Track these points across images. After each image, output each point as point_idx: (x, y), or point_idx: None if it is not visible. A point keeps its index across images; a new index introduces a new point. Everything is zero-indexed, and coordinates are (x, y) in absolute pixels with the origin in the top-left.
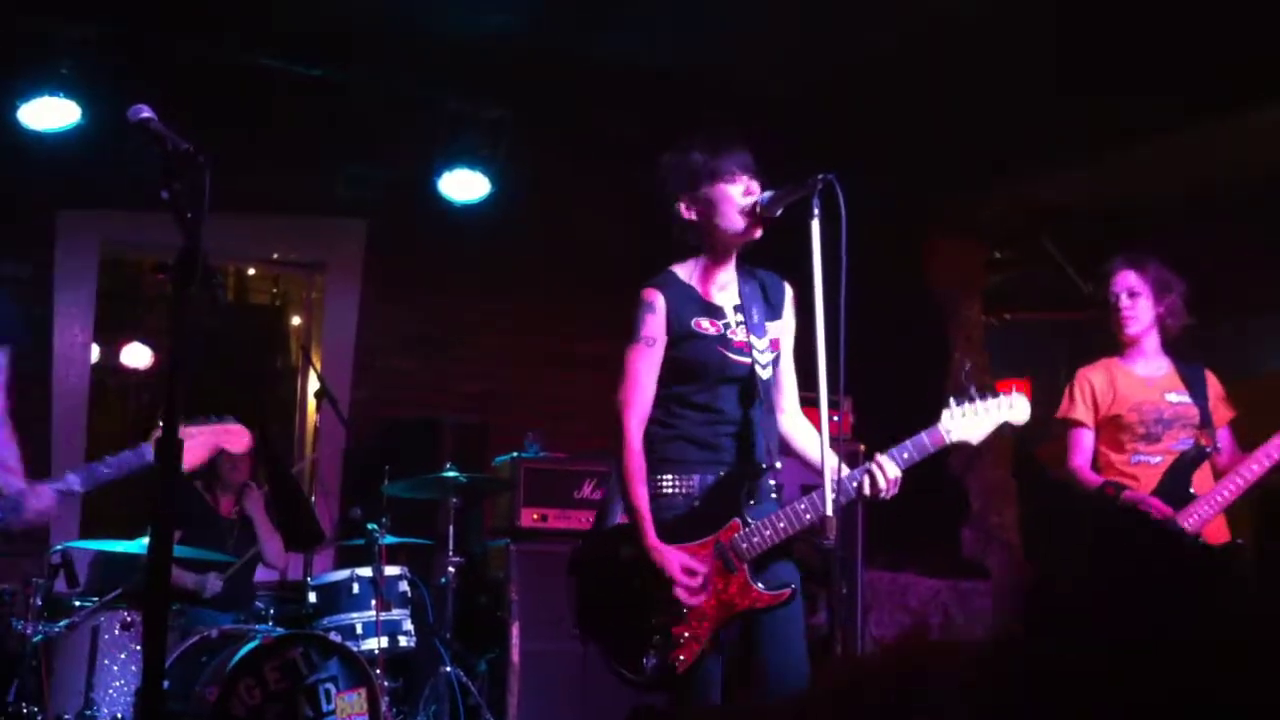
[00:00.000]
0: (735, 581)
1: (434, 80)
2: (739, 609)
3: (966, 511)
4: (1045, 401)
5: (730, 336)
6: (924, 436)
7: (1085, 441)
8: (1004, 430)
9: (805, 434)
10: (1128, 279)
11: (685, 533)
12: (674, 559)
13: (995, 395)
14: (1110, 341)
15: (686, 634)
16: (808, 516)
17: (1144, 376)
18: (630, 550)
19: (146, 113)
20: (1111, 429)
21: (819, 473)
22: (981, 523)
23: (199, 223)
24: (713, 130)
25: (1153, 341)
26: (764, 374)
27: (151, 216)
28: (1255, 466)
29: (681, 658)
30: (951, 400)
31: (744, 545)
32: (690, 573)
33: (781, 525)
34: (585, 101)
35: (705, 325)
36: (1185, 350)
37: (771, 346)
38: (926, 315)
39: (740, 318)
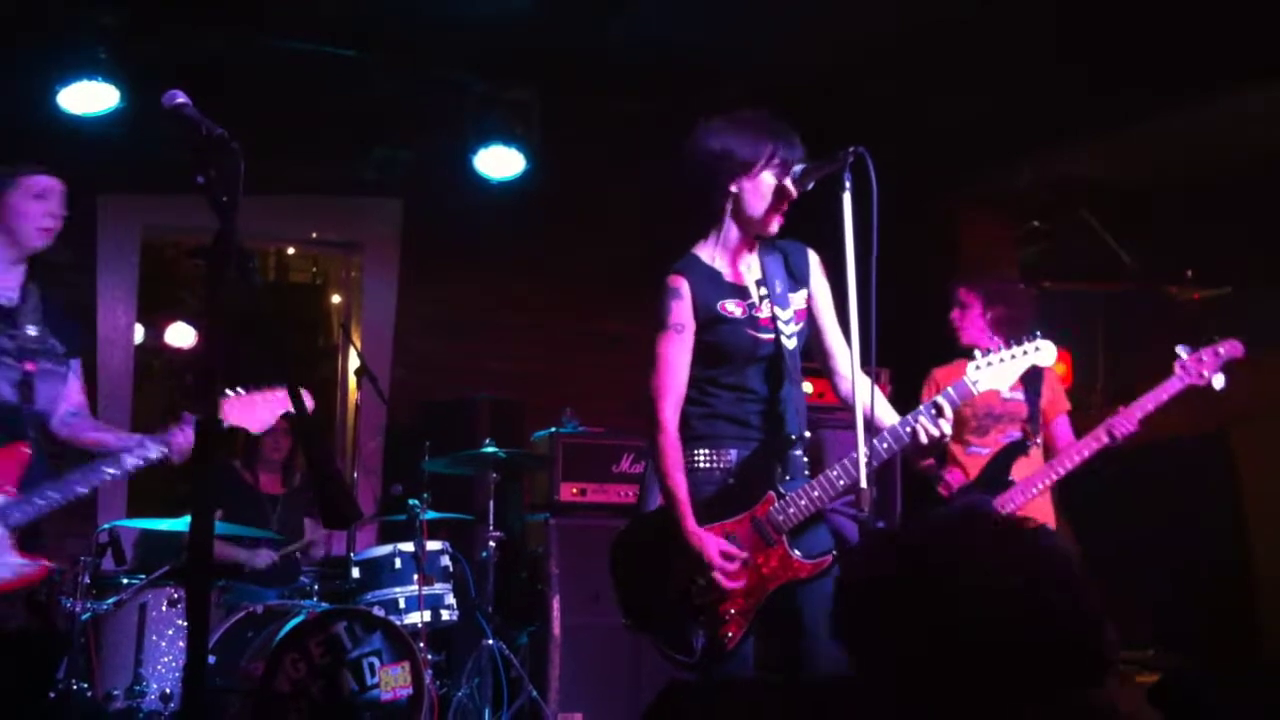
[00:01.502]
0: (775, 554)
1: (462, 61)
2: (781, 581)
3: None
4: (1084, 369)
5: (756, 315)
6: (951, 391)
7: None
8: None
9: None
10: (957, 295)
11: (720, 510)
12: (713, 545)
13: (1020, 342)
14: (1149, 314)
15: (732, 610)
16: (841, 483)
17: None
18: (670, 533)
19: (181, 98)
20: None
21: (879, 428)
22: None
23: (233, 207)
24: (769, 114)
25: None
26: (789, 344)
27: (191, 200)
28: (1068, 462)
29: (730, 634)
30: (977, 352)
31: (780, 518)
32: (729, 557)
33: (816, 494)
34: (613, 81)
35: (731, 308)
36: (1214, 320)
37: (796, 317)
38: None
39: (764, 292)
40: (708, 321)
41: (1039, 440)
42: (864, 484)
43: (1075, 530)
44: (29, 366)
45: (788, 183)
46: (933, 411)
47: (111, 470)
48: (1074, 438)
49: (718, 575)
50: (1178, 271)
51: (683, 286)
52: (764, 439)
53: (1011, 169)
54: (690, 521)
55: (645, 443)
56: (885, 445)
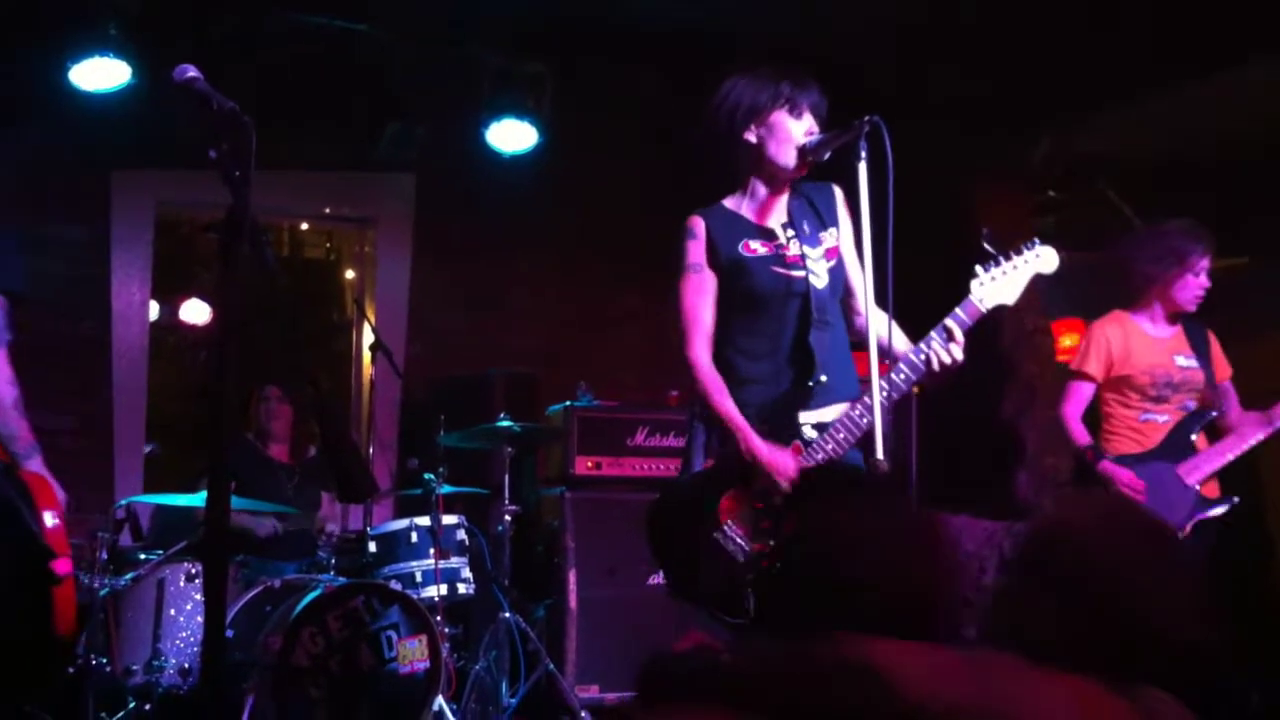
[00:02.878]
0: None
1: (475, 35)
2: None
3: (1020, 454)
4: None
5: (784, 253)
6: (959, 311)
7: (1084, 394)
8: (1037, 282)
9: (881, 327)
10: (1209, 259)
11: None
12: (786, 460)
13: (1020, 251)
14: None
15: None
16: (864, 420)
17: (1155, 337)
18: (713, 493)
19: (191, 72)
20: (1121, 386)
21: (898, 357)
22: (1037, 465)
23: (246, 182)
24: (789, 64)
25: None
26: (818, 283)
27: (204, 176)
28: (1260, 432)
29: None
30: (978, 268)
31: (809, 465)
32: (802, 470)
33: (841, 436)
34: (627, 55)
35: (755, 246)
36: (1244, 293)
37: (827, 255)
38: (977, 256)
39: (791, 234)
40: (731, 263)
41: (1223, 409)
42: (880, 454)
43: None
44: None
45: (805, 137)
46: (944, 335)
47: None
48: (1241, 406)
49: (785, 485)
50: None
51: (698, 227)
52: (790, 384)
53: (1029, 141)
54: (756, 439)
55: (685, 394)
56: (902, 376)
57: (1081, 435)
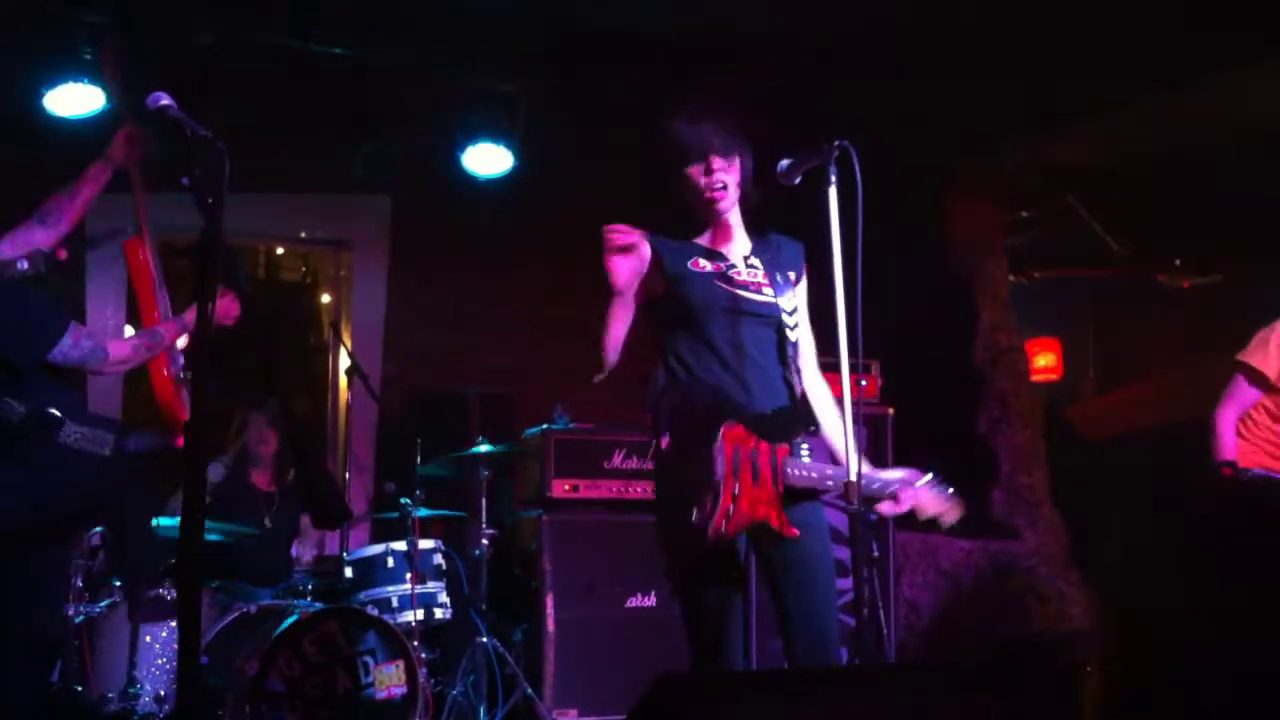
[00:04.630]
0: (764, 493)
1: (449, 56)
2: (757, 518)
3: (995, 473)
4: (1075, 361)
5: (733, 276)
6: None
7: (1248, 395)
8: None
9: (821, 400)
10: None
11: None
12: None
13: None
14: (1138, 302)
15: (730, 508)
16: (830, 484)
17: None
18: (709, 422)
19: (165, 100)
20: (1277, 394)
21: (830, 445)
22: (1011, 484)
23: (219, 207)
24: (689, 104)
25: None
26: (790, 334)
27: (179, 200)
28: None
29: (720, 525)
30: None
31: (790, 470)
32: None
33: (815, 475)
34: (601, 73)
35: (702, 264)
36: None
37: (796, 308)
38: (950, 277)
39: (754, 263)
40: (673, 278)
41: None
42: (853, 476)
43: (1066, 520)
44: None
45: (711, 182)
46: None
47: None
48: None
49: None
50: (1167, 259)
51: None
52: (768, 412)
53: (998, 155)
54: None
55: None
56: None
57: (1228, 447)
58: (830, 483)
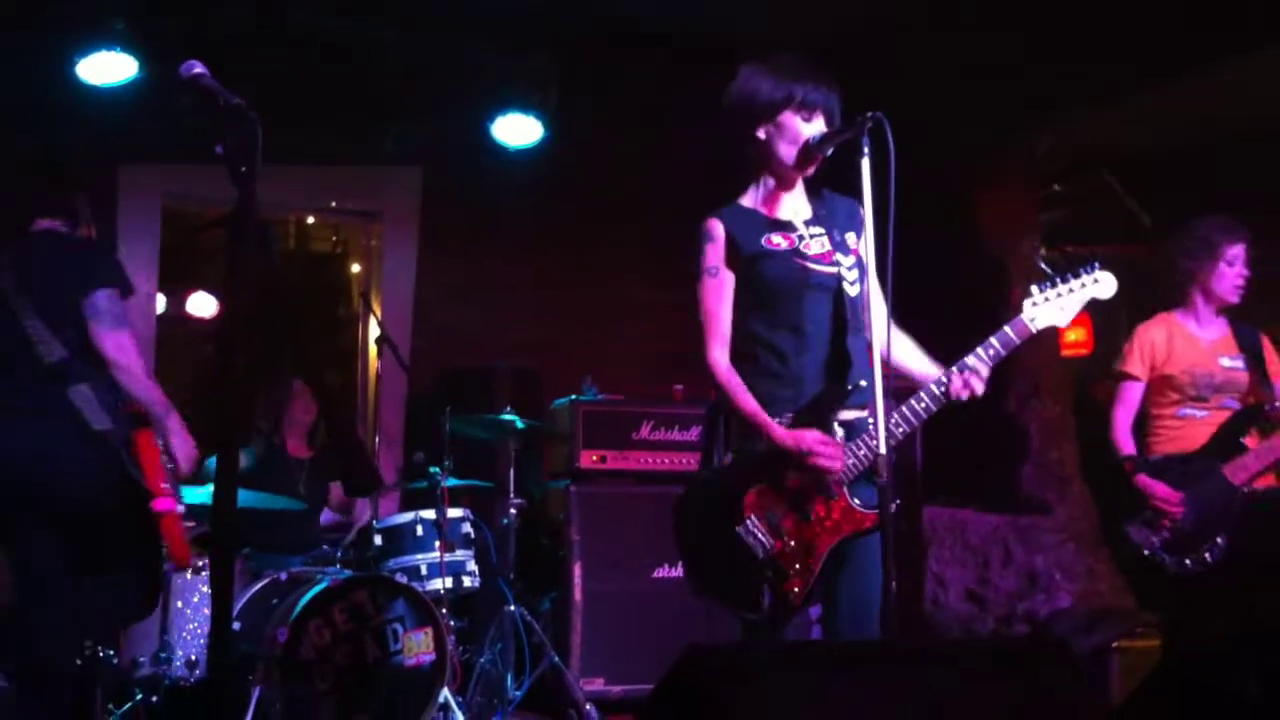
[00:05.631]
0: (837, 507)
1: (480, 28)
2: (844, 534)
3: (1025, 449)
4: (1106, 336)
5: (805, 249)
6: (1008, 329)
7: (1133, 396)
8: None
9: (901, 347)
10: (1243, 248)
11: (777, 464)
12: (809, 435)
13: (1078, 274)
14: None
15: (797, 565)
16: (900, 430)
17: (1200, 338)
18: (736, 490)
19: (198, 69)
20: (1162, 386)
21: (917, 381)
22: (1041, 460)
23: (252, 177)
24: (797, 56)
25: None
26: (851, 290)
27: (210, 170)
28: None
29: (795, 589)
30: (1034, 287)
31: (849, 463)
32: (826, 443)
33: (875, 443)
34: (631, 46)
35: (777, 240)
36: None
37: (856, 260)
38: (983, 252)
39: (816, 230)
40: (752, 259)
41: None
42: (882, 449)
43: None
44: None
45: (806, 130)
46: (967, 369)
47: None
48: None
49: (824, 461)
50: None
51: (716, 229)
52: (821, 390)
53: (1033, 133)
54: (777, 428)
55: (710, 391)
56: (922, 405)
57: (1126, 444)
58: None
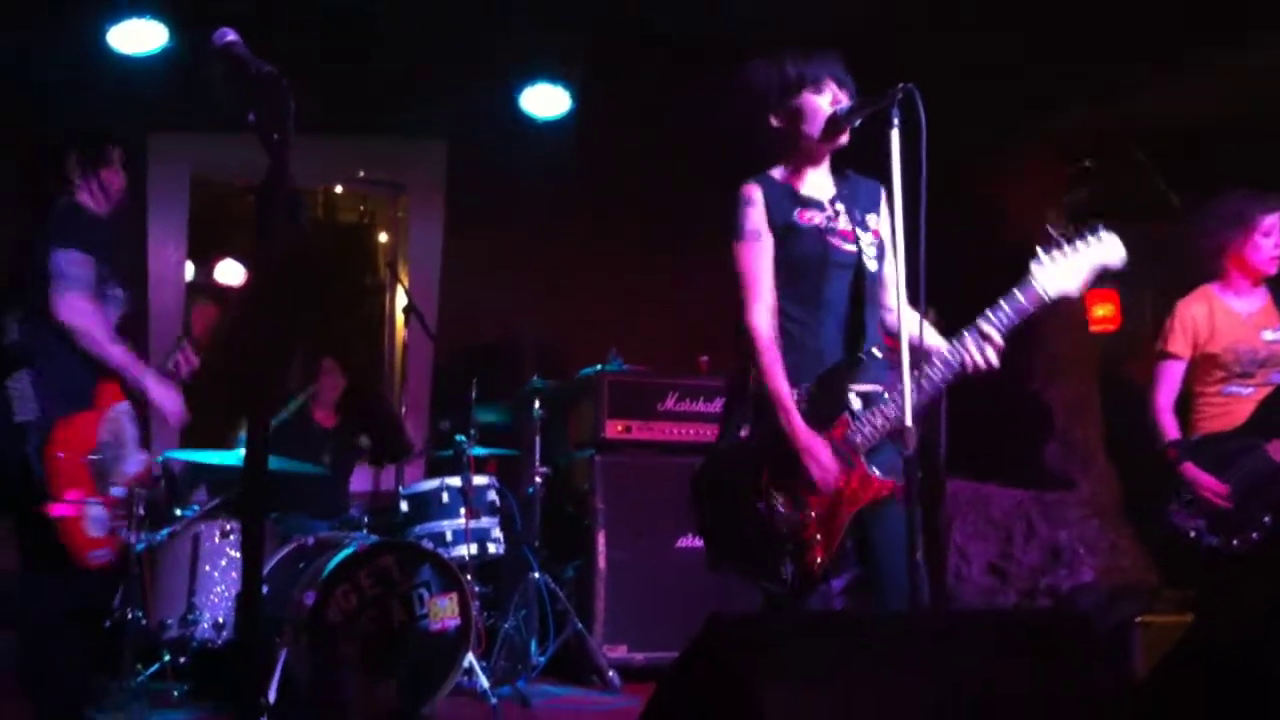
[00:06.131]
0: (855, 476)
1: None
2: (863, 502)
3: (1049, 426)
4: (1133, 314)
5: (835, 225)
6: (1017, 294)
7: (1175, 375)
8: (1103, 272)
9: (913, 324)
10: (1278, 218)
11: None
12: (821, 446)
13: (1084, 237)
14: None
15: (818, 536)
16: (913, 398)
17: (1241, 313)
18: (754, 463)
19: (230, 36)
20: (1206, 364)
21: (930, 357)
22: (1066, 437)
23: (284, 145)
24: (803, 41)
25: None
26: (871, 265)
27: (240, 139)
28: None
29: (818, 559)
30: (1039, 249)
31: (857, 439)
32: (828, 462)
33: (891, 411)
34: (660, 18)
35: (806, 216)
36: None
37: (875, 239)
38: (1010, 228)
39: (840, 208)
40: (784, 231)
41: None
42: (909, 421)
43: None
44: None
45: (832, 109)
46: (979, 336)
47: None
48: None
49: (815, 472)
50: None
51: (755, 194)
52: (838, 360)
53: (1062, 109)
54: (799, 421)
55: (739, 361)
56: (937, 373)
57: (1169, 428)
58: (896, 413)
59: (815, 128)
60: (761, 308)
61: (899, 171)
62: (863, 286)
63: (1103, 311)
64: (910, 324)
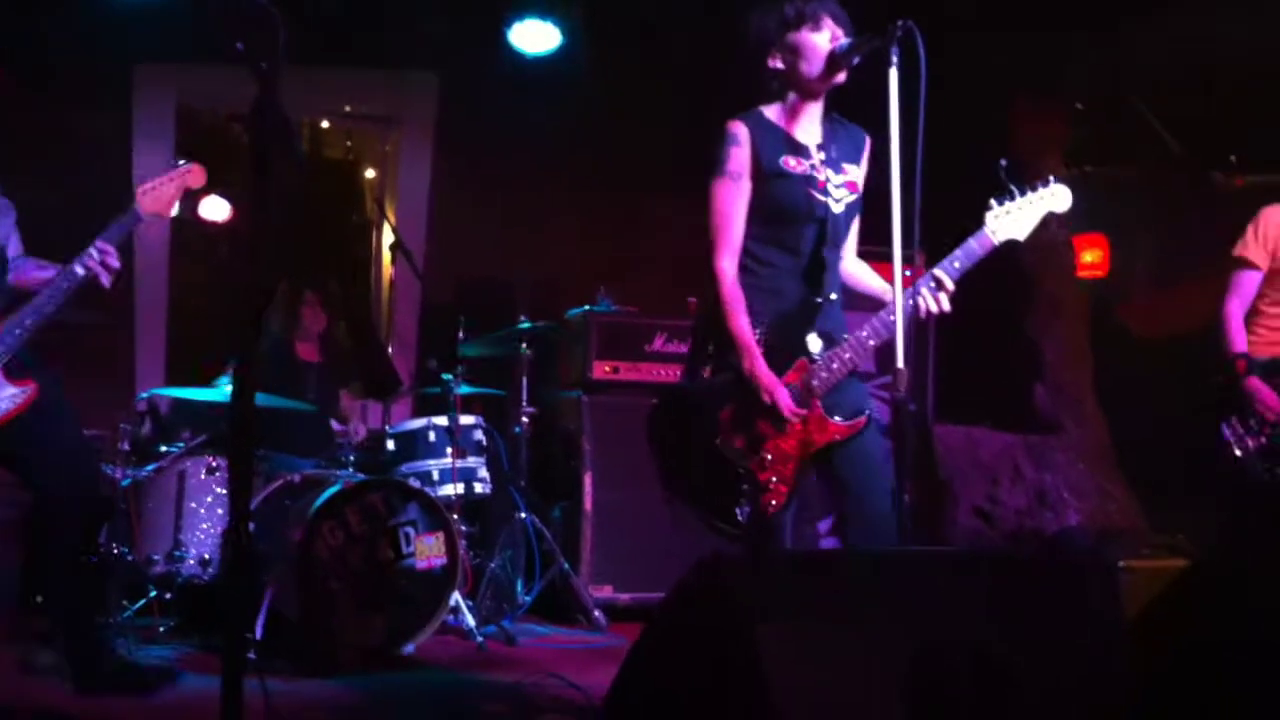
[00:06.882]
0: (811, 419)
1: None
2: (818, 445)
3: (1040, 370)
4: (1124, 259)
5: (815, 175)
6: (971, 242)
7: (1249, 285)
8: (1050, 225)
9: (865, 273)
10: None
11: None
12: (785, 395)
13: (1035, 188)
14: (1191, 200)
15: (774, 479)
16: (871, 342)
17: None
18: (715, 403)
19: None
20: (1274, 280)
21: (882, 303)
22: (1056, 380)
23: (275, 74)
24: None
25: None
26: (836, 208)
27: (227, 70)
28: None
29: (773, 502)
30: (993, 200)
31: (814, 382)
32: (791, 409)
33: (847, 356)
34: None
35: (793, 164)
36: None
37: (848, 188)
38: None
39: (822, 156)
40: (770, 175)
41: None
42: (900, 364)
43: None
44: None
45: (830, 46)
46: (932, 284)
47: (66, 284)
48: None
49: (787, 411)
50: (1223, 157)
51: (742, 133)
52: (797, 303)
53: (1063, 55)
54: (761, 363)
55: (702, 296)
56: (893, 318)
57: (1239, 339)
58: (853, 357)
59: (814, 66)
60: (729, 251)
61: (897, 110)
62: (826, 233)
63: (1091, 257)
64: (864, 274)
